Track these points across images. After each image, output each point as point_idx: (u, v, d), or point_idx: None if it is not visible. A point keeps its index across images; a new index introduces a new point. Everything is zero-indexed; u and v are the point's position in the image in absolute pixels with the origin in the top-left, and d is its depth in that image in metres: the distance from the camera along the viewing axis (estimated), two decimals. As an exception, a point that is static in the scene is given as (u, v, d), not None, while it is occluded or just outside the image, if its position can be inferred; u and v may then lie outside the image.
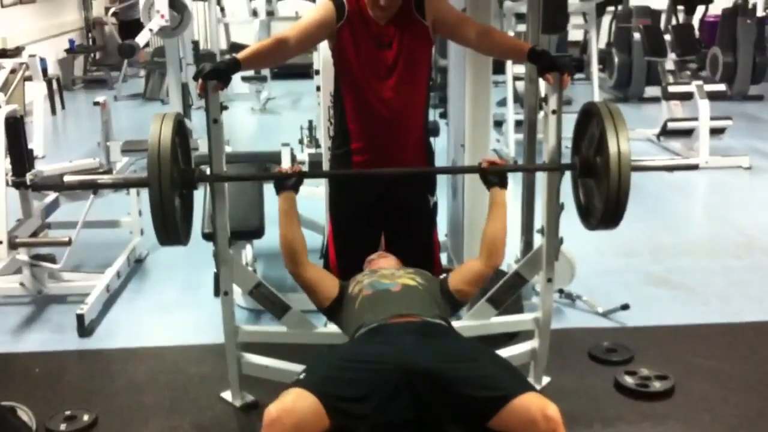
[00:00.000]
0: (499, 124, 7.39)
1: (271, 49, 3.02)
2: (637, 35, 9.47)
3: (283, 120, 9.23)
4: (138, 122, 8.33)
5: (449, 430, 2.36)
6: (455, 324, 2.92)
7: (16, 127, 4.00)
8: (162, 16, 6.02)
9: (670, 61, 8.73)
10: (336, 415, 2.27)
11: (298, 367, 2.79)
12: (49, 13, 11.20)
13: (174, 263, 4.74)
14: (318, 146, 5.12)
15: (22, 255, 4.15)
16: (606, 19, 10.94)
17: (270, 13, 10.47)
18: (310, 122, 5.44)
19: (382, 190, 3.21)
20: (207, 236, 3.66)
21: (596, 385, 3.34)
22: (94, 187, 3.95)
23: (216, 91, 2.79)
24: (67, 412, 3.12)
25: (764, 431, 3.08)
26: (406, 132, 3.18)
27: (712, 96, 7.11)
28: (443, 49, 5.54)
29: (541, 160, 3.12)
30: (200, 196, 3.33)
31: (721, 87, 7.61)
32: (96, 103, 4.81)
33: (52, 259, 4.31)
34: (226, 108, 2.89)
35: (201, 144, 6.09)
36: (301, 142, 5.46)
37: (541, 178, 3.14)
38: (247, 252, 4.33)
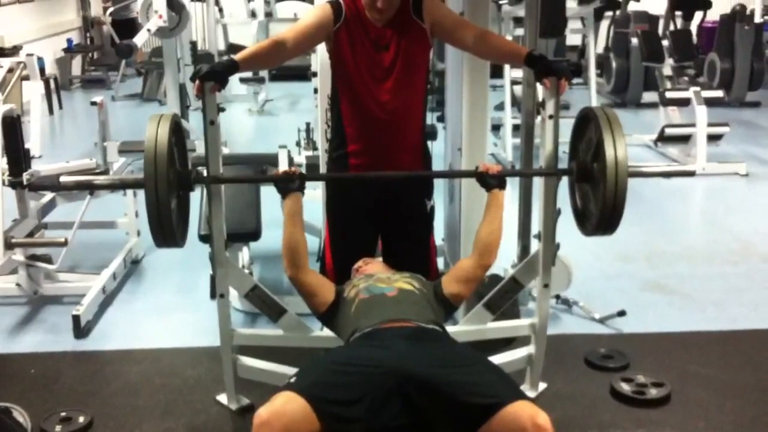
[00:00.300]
0: (496, 128, 7.40)
1: (269, 50, 3.02)
2: (635, 40, 9.49)
3: (280, 122, 9.22)
4: (135, 123, 8.30)
5: None
6: (451, 329, 2.92)
7: (12, 126, 4.00)
8: (160, 17, 6.03)
9: (667, 67, 8.74)
10: (327, 419, 2.27)
11: (293, 371, 2.77)
12: (47, 12, 11.19)
13: (170, 265, 4.74)
14: (315, 149, 5.12)
15: (18, 255, 4.13)
16: (604, 24, 10.95)
17: (268, 15, 10.46)
18: (308, 124, 5.43)
19: (379, 194, 3.21)
20: (203, 238, 3.65)
21: (592, 391, 3.33)
22: (91, 188, 3.95)
23: (213, 92, 2.79)
24: (63, 414, 3.11)
25: (759, 438, 3.08)
26: (402, 135, 3.17)
27: (710, 102, 7.12)
28: (441, 52, 5.53)
29: (538, 164, 3.12)
30: (197, 198, 3.32)
31: (719, 93, 7.61)
32: (93, 103, 4.80)
33: (48, 260, 4.31)
34: (223, 109, 2.89)
35: (198, 145, 6.06)
36: (298, 144, 5.46)
37: (538, 183, 3.13)
38: (244, 254, 4.33)
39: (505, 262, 4.02)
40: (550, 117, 2.93)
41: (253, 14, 10.36)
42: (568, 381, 3.40)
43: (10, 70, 5.52)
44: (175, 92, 6.91)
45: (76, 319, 3.86)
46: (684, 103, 7.31)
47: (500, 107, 7.50)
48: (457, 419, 2.31)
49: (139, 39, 5.90)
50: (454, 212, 3.94)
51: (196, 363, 3.56)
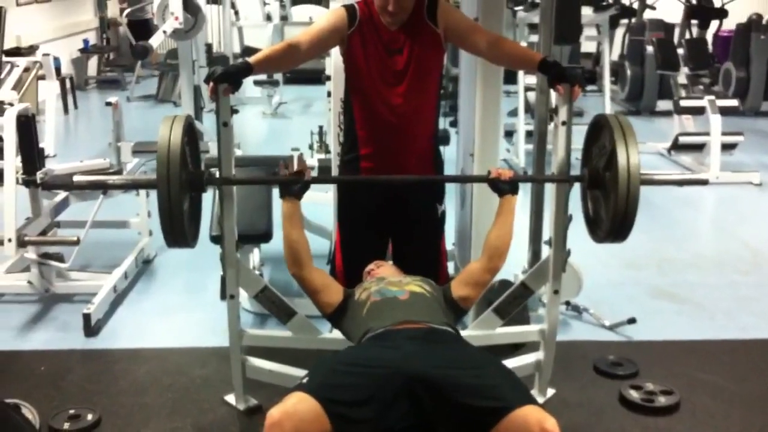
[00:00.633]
0: (509, 134, 7.39)
1: (283, 53, 3.03)
2: (650, 48, 9.46)
3: (294, 125, 9.24)
4: (150, 124, 8.29)
5: None
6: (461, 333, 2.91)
7: (27, 125, 4.02)
8: (176, 18, 6.04)
9: (682, 75, 8.72)
10: (337, 420, 2.27)
11: (302, 372, 2.78)
12: (64, 12, 11.25)
13: (182, 265, 4.75)
14: (328, 152, 5.13)
15: (31, 253, 4.17)
16: (619, 32, 10.94)
17: (284, 18, 10.49)
18: (320, 128, 5.45)
19: (390, 198, 3.21)
20: (215, 239, 3.67)
21: (601, 398, 3.33)
22: (104, 188, 3.97)
23: (227, 94, 2.80)
24: (71, 411, 3.13)
25: (768, 449, 3.08)
26: (414, 139, 3.18)
27: (724, 111, 7.10)
28: (455, 57, 5.54)
29: (550, 170, 3.12)
30: (209, 199, 3.33)
31: (734, 102, 7.59)
32: (108, 104, 4.83)
33: (60, 258, 4.34)
34: (236, 111, 2.90)
35: (212, 147, 6.10)
36: (311, 147, 5.47)
37: (549, 189, 3.13)
38: (255, 256, 4.34)
39: (515, 268, 4.03)
40: (563, 123, 2.93)
41: (269, 17, 10.39)
42: (577, 388, 3.40)
43: (27, 70, 5.55)
44: (189, 94, 6.93)
45: (86, 317, 3.87)
46: (698, 111, 7.29)
47: (513, 113, 7.50)
48: (465, 422, 2.31)
49: (155, 40, 5.92)
50: (465, 217, 3.95)
51: (204, 363, 3.57)
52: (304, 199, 2.96)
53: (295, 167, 2.93)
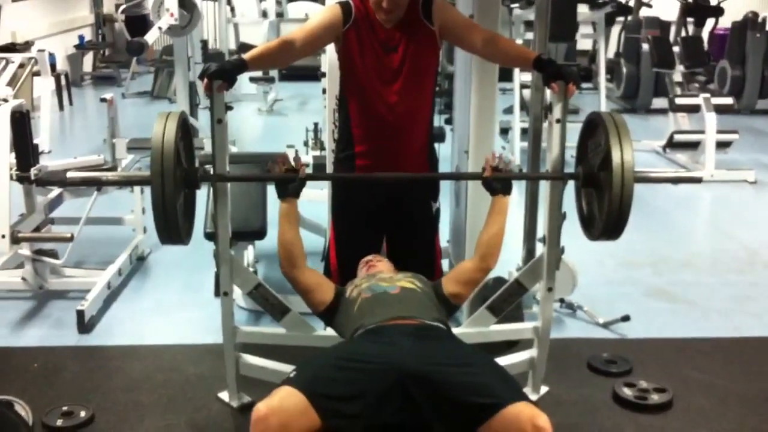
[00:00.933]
0: (505, 131, 7.39)
1: (278, 50, 3.03)
2: (645, 46, 9.45)
3: (289, 122, 9.22)
4: (145, 120, 8.28)
5: None
6: (454, 331, 2.91)
7: (21, 121, 4.00)
8: (171, 15, 6.04)
9: (678, 73, 8.71)
10: (326, 415, 2.27)
11: (295, 369, 2.79)
12: (60, 8, 11.22)
13: (176, 262, 4.75)
14: (323, 149, 5.13)
15: (25, 250, 4.15)
16: (615, 30, 10.93)
17: (279, 15, 10.48)
18: (316, 125, 5.44)
19: (385, 195, 3.21)
20: (209, 236, 3.66)
21: (594, 396, 3.33)
22: (97, 184, 3.95)
23: (221, 90, 2.79)
24: (65, 408, 3.12)
25: (761, 447, 3.08)
26: (409, 137, 3.18)
27: (720, 109, 7.10)
28: (451, 55, 5.53)
29: (545, 168, 3.12)
30: (204, 196, 3.33)
31: (729, 100, 7.59)
32: (103, 100, 4.82)
33: (54, 255, 4.32)
34: (230, 108, 2.89)
35: (206, 144, 6.09)
36: (306, 144, 5.47)
37: (544, 187, 3.13)
38: (249, 253, 4.34)
39: (509, 265, 4.03)
40: (558, 121, 2.93)
41: (265, 14, 10.37)
42: (571, 385, 3.40)
43: (21, 66, 5.52)
44: (184, 90, 6.93)
45: (80, 314, 3.87)
46: (694, 109, 7.29)
47: (509, 111, 7.50)
48: (457, 418, 2.31)
49: (150, 37, 5.92)
50: (460, 215, 3.95)
51: (198, 360, 3.57)
52: (299, 196, 2.96)
53: (292, 164, 2.92)
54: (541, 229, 3.14)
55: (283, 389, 2.29)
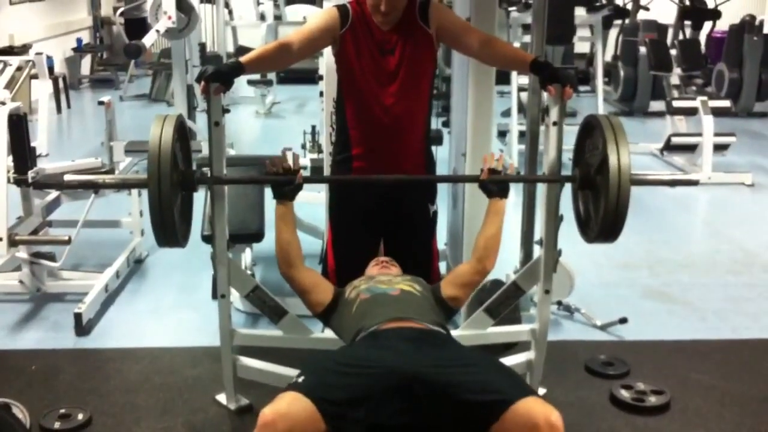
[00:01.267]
0: (503, 134, 7.40)
1: (275, 53, 3.03)
2: (643, 49, 9.48)
3: (287, 124, 9.23)
4: (143, 123, 8.26)
5: None
6: (451, 333, 2.91)
7: (19, 124, 4.01)
8: (169, 18, 6.04)
9: (675, 76, 8.74)
10: (331, 420, 2.26)
11: (293, 372, 2.77)
12: (58, 11, 11.23)
13: (173, 265, 4.75)
14: (320, 151, 5.13)
15: (22, 252, 4.16)
16: (613, 33, 10.96)
17: (278, 18, 10.48)
18: (313, 127, 5.44)
19: (382, 197, 3.21)
20: (206, 238, 3.66)
21: (592, 398, 3.33)
22: (94, 187, 3.96)
23: (218, 93, 2.79)
24: (62, 410, 3.13)
25: (758, 449, 3.08)
26: (406, 139, 3.18)
27: (717, 112, 7.11)
28: (448, 57, 5.54)
29: (542, 171, 3.12)
30: (201, 199, 3.33)
31: (726, 103, 7.60)
32: (101, 103, 4.82)
33: (51, 258, 4.33)
34: (227, 111, 2.90)
35: (204, 146, 6.09)
36: (303, 147, 5.46)
37: (541, 190, 3.14)
38: (246, 255, 4.34)
39: (507, 268, 4.03)
40: (554, 124, 2.93)
41: (263, 17, 10.38)
42: (568, 387, 3.40)
43: (19, 69, 5.52)
44: (182, 93, 6.93)
45: (77, 317, 3.87)
46: (691, 112, 7.31)
47: (507, 113, 7.50)
48: (467, 419, 2.30)
49: (148, 40, 5.91)
50: (457, 217, 3.95)
51: (195, 362, 3.57)
52: (297, 199, 2.96)
53: (291, 164, 2.92)
54: (539, 232, 3.15)
55: (289, 394, 2.28)
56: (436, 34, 3.12)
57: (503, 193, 2.98)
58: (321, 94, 4.27)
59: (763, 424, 3.19)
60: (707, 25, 9.98)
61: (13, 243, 3.93)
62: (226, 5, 10.60)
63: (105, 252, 4.75)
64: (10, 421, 2.91)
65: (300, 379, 2.37)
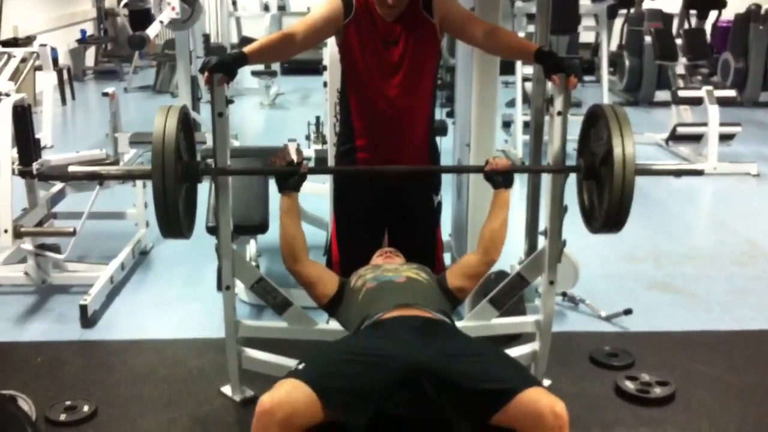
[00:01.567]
0: (507, 124, 7.38)
1: (278, 44, 3.03)
2: (648, 38, 9.45)
3: (291, 115, 9.23)
4: (147, 114, 8.23)
5: (454, 425, 2.33)
6: (456, 324, 2.91)
7: (23, 116, 4.01)
8: (173, 9, 6.03)
9: (681, 66, 8.71)
10: (333, 408, 2.26)
11: (297, 363, 2.79)
12: (62, 2, 11.22)
13: (178, 256, 4.75)
14: (324, 142, 5.12)
15: (27, 244, 4.16)
16: (618, 22, 10.92)
17: (281, 8, 10.47)
18: (317, 118, 5.44)
19: (386, 188, 3.21)
20: (211, 230, 3.66)
21: (596, 389, 3.33)
22: (99, 179, 3.96)
23: (221, 84, 2.79)
24: (68, 402, 3.13)
25: (762, 440, 3.08)
26: (410, 130, 3.18)
27: (722, 102, 7.09)
28: (452, 47, 5.53)
29: (546, 161, 3.12)
30: (206, 190, 3.33)
31: (732, 93, 7.58)
32: (105, 94, 4.82)
33: (56, 249, 4.33)
34: (231, 102, 2.90)
35: (208, 138, 6.07)
36: (308, 138, 5.46)
37: (546, 180, 3.13)
38: (251, 247, 4.34)
39: (511, 259, 4.02)
40: (559, 114, 2.92)
41: (266, 7, 10.37)
42: (573, 378, 3.40)
43: (24, 60, 5.52)
44: (186, 84, 6.92)
45: (83, 308, 3.87)
46: (696, 102, 7.28)
47: (511, 104, 7.49)
48: (471, 408, 2.29)
49: (152, 31, 5.90)
50: (461, 208, 3.94)
51: (200, 354, 3.57)
52: (301, 190, 2.96)
53: (294, 158, 2.92)
54: (543, 222, 3.14)
55: (288, 381, 2.27)
56: (440, 25, 3.11)
57: (508, 184, 2.98)
58: (325, 84, 4.26)
59: (767, 416, 3.18)
60: (713, 15, 9.95)
61: (18, 235, 3.93)
62: (230, -4, 10.60)
63: (110, 243, 4.75)
64: (16, 413, 2.92)
65: (302, 367, 2.36)
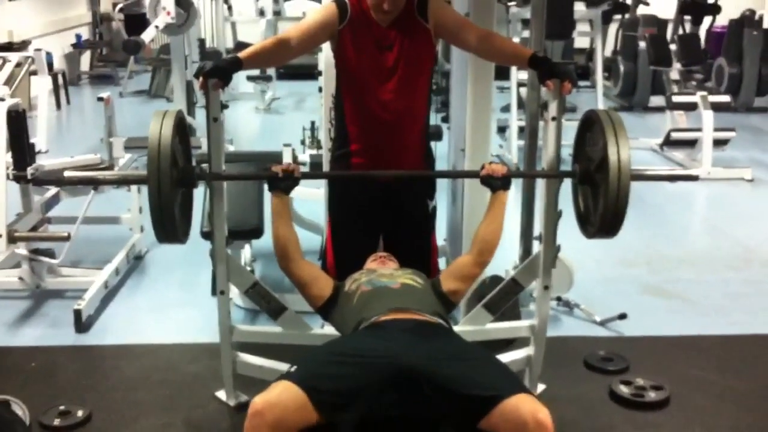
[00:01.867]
0: (502, 129, 7.39)
1: (273, 49, 3.03)
2: (642, 44, 9.47)
3: (286, 120, 9.22)
4: (142, 119, 8.24)
5: (440, 428, 2.35)
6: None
7: (18, 120, 4.01)
8: (168, 14, 6.04)
9: (675, 71, 8.73)
10: (324, 409, 2.27)
11: (292, 368, 2.79)
12: (57, 7, 11.20)
13: (173, 261, 4.75)
14: (320, 147, 5.12)
15: (21, 249, 4.15)
16: (612, 27, 10.95)
17: (277, 13, 10.47)
18: (312, 123, 5.43)
19: (381, 193, 3.21)
20: (205, 235, 3.66)
21: (591, 393, 3.33)
22: (94, 183, 3.95)
23: (216, 89, 2.80)
24: (61, 407, 3.12)
25: (756, 445, 3.08)
26: (405, 135, 3.17)
27: (717, 107, 7.10)
28: (448, 53, 5.54)
29: (541, 166, 3.12)
30: (201, 195, 3.33)
31: (726, 98, 7.60)
32: (100, 99, 4.82)
33: (51, 254, 4.32)
34: (226, 107, 2.90)
35: (204, 142, 6.08)
36: (303, 143, 5.46)
37: (540, 185, 3.14)
38: (246, 252, 4.34)
39: (506, 263, 4.03)
40: (553, 119, 2.93)
41: (262, 12, 10.36)
42: (567, 383, 3.40)
43: (18, 65, 5.52)
44: (182, 89, 6.93)
45: (77, 313, 3.87)
46: (691, 107, 7.30)
47: (506, 109, 7.50)
48: (458, 411, 2.30)
49: (147, 35, 5.91)
50: (456, 213, 3.95)
51: (195, 359, 3.57)
52: (296, 195, 2.96)
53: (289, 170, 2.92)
54: (538, 227, 3.14)
55: (280, 384, 2.28)
56: (435, 30, 3.11)
57: (506, 186, 2.97)
58: (320, 89, 4.27)
59: (762, 420, 3.19)
60: (707, 20, 9.97)
61: (12, 239, 3.93)
62: (225, 1, 10.60)
63: (104, 248, 4.75)
64: (9, 418, 2.92)
65: (294, 369, 2.38)
